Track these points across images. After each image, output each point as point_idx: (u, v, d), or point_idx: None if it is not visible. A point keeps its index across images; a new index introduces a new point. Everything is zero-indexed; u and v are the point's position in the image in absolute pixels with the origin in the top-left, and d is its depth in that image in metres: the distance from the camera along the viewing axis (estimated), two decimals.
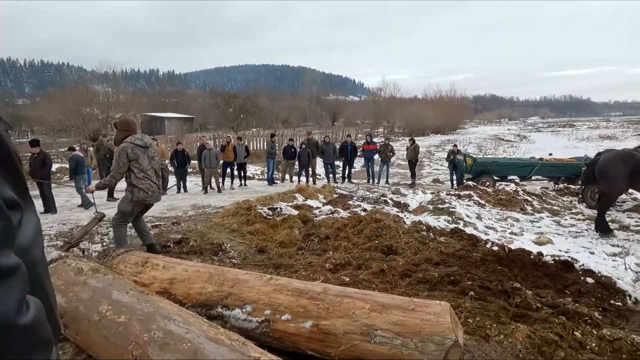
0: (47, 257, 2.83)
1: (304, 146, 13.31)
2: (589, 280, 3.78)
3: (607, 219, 7.00)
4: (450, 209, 7.26)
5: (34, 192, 8.61)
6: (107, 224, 6.50)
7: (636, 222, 7.50)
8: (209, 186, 11.43)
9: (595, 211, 7.14)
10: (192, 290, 2.70)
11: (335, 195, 9.59)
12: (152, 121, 46.22)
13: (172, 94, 70.92)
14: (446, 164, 15.00)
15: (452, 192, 9.63)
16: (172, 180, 11.39)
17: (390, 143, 14.49)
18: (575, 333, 2.73)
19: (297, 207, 7.21)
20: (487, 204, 8.81)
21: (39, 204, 8.25)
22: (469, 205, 8.25)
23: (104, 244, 5.32)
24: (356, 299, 2.24)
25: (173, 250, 4.87)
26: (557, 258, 4.29)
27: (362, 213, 6.36)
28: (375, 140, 15.82)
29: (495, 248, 4.56)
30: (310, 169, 13.29)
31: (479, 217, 7.37)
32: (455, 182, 13.19)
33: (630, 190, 7.98)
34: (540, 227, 7.40)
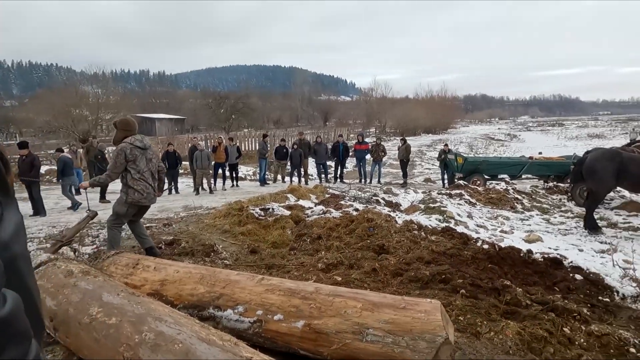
0: (36, 259, 2.81)
1: (295, 146, 13.31)
2: (578, 277, 3.84)
3: (596, 217, 7.10)
4: (442, 208, 7.31)
5: (23, 194, 8.51)
6: (98, 226, 6.45)
7: (624, 219, 7.62)
8: (200, 187, 11.39)
9: (584, 209, 7.24)
10: (184, 291, 2.70)
11: (327, 196, 9.61)
12: (142, 122, 45.75)
13: (163, 94, 70.33)
14: (437, 163, 15.09)
15: (443, 191, 9.69)
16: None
17: (382, 143, 14.55)
18: (564, 329, 2.77)
19: (289, 207, 7.21)
20: (478, 203, 8.88)
21: (27, 207, 8.16)
22: (460, 204, 8.31)
23: (95, 245, 5.27)
24: (348, 298, 2.25)
25: (164, 252, 4.84)
26: (546, 255, 4.34)
27: (354, 213, 6.38)
28: (367, 140, 15.89)
29: (485, 246, 4.61)
30: (302, 169, 13.30)
31: (470, 216, 7.43)
32: (446, 181, 13.27)
33: (618, 188, 8.08)
34: (530, 225, 7.49)
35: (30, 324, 0.60)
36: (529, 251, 4.44)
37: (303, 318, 2.22)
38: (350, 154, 14.43)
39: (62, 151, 10.39)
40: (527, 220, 7.90)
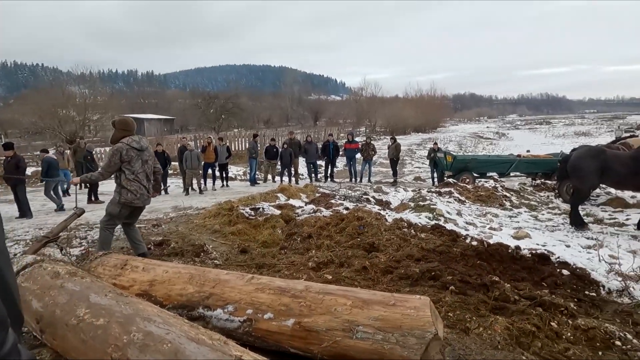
0: (22, 261, 2.77)
1: (285, 146, 13.30)
2: (565, 272, 3.89)
3: (582, 213, 7.20)
4: (431, 206, 7.36)
5: (9, 196, 8.37)
6: (86, 228, 6.38)
7: (609, 215, 7.75)
8: (190, 187, 11.32)
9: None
10: (173, 291, 2.67)
11: (317, 195, 9.61)
12: None
13: (152, 94, 69.59)
14: (427, 161, 15.19)
15: (433, 190, 9.75)
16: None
17: (372, 142, 14.60)
18: (552, 323, 2.80)
19: (279, 206, 7.20)
20: (467, 201, 8.95)
21: (14, 209, 8.04)
22: (450, 202, 8.38)
23: (83, 247, 5.21)
24: (338, 296, 2.25)
25: (154, 252, 4.81)
26: (534, 251, 4.39)
27: (345, 211, 6.39)
28: (357, 139, 15.92)
29: (474, 243, 4.65)
30: (292, 169, 13.29)
31: (459, 214, 7.49)
32: (436, 179, 13.36)
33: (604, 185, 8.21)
34: (518, 222, 7.57)
35: (8, 315, 0.60)
36: (517, 247, 4.49)
37: (293, 316, 2.22)
38: (341, 153, 14.46)
39: (47, 152, 10.23)
40: (515, 217, 7.98)
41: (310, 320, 2.17)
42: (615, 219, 7.44)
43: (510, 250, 4.38)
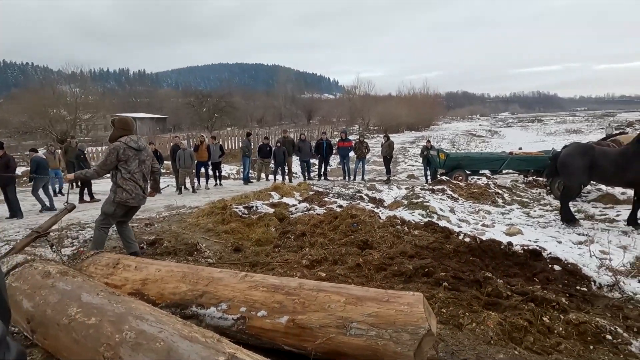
0: (12, 260, 2.73)
1: (279, 144, 13.28)
2: (557, 267, 3.93)
3: (573, 209, 7.27)
4: (425, 203, 7.39)
5: None
6: (78, 228, 6.32)
7: (600, 211, 7.83)
8: (183, 186, 11.26)
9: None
10: (166, 290, 2.66)
11: (311, 193, 9.60)
12: None
13: (144, 93, 69.20)
14: (420, 159, 15.23)
15: (426, 187, 9.79)
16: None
17: (365, 140, 14.63)
18: (544, 318, 2.83)
19: (273, 205, 7.19)
20: (460, 198, 9.00)
21: (4, 209, 7.95)
22: (443, 199, 8.41)
23: (75, 247, 5.17)
24: (331, 293, 2.25)
25: (147, 251, 4.78)
26: (526, 247, 4.42)
27: (338, 209, 6.40)
28: (350, 137, 15.93)
29: (467, 240, 4.67)
30: (286, 167, 13.28)
31: (452, 211, 7.53)
32: (429, 177, 13.40)
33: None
34: (510, 218, 7.63)
35: None
36: (510, 244, 4.52)
37: (287, 313, 2.22)
38: (334, 151, 14.46)
39: (36, 151, 10.11)
40: (507, 214, 8.04)
41: (304, 317, 2.17)
42: (605, 215, 7.51)
43: (502, 247, 4.41)
